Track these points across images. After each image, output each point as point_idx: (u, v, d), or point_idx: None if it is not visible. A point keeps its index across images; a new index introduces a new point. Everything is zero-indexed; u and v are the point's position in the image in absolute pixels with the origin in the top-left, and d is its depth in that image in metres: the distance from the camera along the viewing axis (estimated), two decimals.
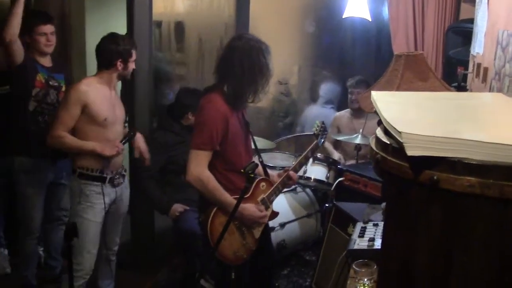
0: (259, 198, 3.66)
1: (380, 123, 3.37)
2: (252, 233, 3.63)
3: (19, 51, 4.16)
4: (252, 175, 3.10)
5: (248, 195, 3.52)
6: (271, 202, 3.74)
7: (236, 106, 3.48)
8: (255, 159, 3.75)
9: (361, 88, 5.71)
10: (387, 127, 1.56)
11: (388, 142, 1.53)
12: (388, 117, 1.57)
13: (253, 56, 3.41)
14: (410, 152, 1.39)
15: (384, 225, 1.75)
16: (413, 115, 1.74)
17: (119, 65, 3.91)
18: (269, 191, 3.71)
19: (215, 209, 3.47)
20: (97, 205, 3.94)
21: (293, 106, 7.15)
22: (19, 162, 4.37)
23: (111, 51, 3.90)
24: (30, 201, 4.44)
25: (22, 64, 4.21)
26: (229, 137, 3.44)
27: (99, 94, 3.88)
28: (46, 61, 4.43)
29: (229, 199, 3.43)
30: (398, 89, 3.67)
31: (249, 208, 3.52)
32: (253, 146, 3.79)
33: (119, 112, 4.08)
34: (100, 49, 3.95)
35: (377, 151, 1.58)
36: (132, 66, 4.03)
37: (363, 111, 5.64)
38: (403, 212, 1.54)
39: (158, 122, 4.90)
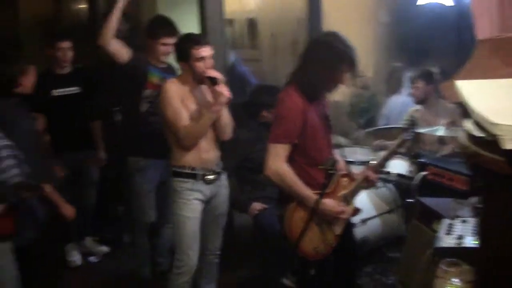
0: (340, 194, 3.58)
1: (465, 114, 3.19)
2: (333, 229, 3.55)
3: (118, 52, 4.36)
4: (332, 171, 3.02)
5: (329, 190, 3.43)
6: (353, 198, 3.65)
7: (311, 98, 3.42)
8: (336, 154, 3.67)
9: (419, 82, 5.59)
10: (478, 119, 1.42)
11: (481, 135, 1.40)
12: (479, 108, 1.44)
13: (328, 52, 3.35)
14: (507, 145, 1.26)
15: (480, 223, 1.62)
16: (505, 105, 1.58)
17: (184, 66, 3.89)
18: (351, 187, 3.62)
19: (294, 203, 3.43)
20: (191, 201, 3.93)
21: (372, 99, 6.99)
22: (133, 162, 4.57)
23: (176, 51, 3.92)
24: (146, 198, 4.64)
25: (128, 64, 4.40)
26: (307, 130, 3.39)
27: (186, 94, 3.86)
28: (161, 63, 4.57)
29: (308, 193, 3.37)
30: (483, 77, 3.48)
31: (329, 203, 3.44)
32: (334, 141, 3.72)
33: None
34: (177, 48, 3.95)
35: (469, 145, 1.45)
36: (197, 66, 3.87)
37: (433, 102, 5.58)
38: (501, 209, 1.41)
39: (234, 120, 4.86)
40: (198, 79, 3.86)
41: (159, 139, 4.17)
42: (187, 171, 3.92)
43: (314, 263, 3.51)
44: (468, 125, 1.53)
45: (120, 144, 4.81)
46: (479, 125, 1.44)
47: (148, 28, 4.56)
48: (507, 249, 1.46)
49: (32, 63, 4.19)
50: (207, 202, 4.06)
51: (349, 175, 3.65)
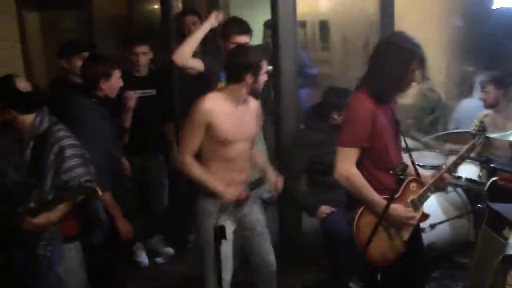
0: (409, 199, 3.56)
1: None
2: (401, 235, 3.54)
3: (194, 66, 4.45)
4: (402, 176, 3.03)
5: (397, 195, 3.43)
6: (422, 203, 3.61)
7: (381, 101, 3.41)
8: (406, 159, 3.67)
9: (489, 87, 5.52)
10: None
11: None
12: None
13: (398, 53, 3.34)
14: None
15: None
16: None
17: (249, 78, 3.71)
18: (419, 192, 3.59)
19: (362, 208, 3.43)
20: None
21: (439, 102, 6.89)
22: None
23: (239, 64, 3.73)
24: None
25: (201, 75, 4.48)
26: (377, 134, 3.39)
27: (223, 111, 3.72)
28: None
29: (377, 198, 3.38)
30: None
31: (397, 208, 3.43)
32: (403, 145, 3.70)
33: (248, 128, 3.90)
34: (228, 61, 3.87)
35: None
36: (263, 79, 3.80)
37: (503, 106, 5.51)
38: None
39: (306, 122, 4.91)
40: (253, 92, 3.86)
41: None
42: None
43: (381, 269, 3.51)
44: None
45: None
46: None
47: (220, 29, 4.61)
48: None
49: None
50: (239, 222, 4.02)
51: (418, 180, 3.62)
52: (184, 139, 3.81)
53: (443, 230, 4.95)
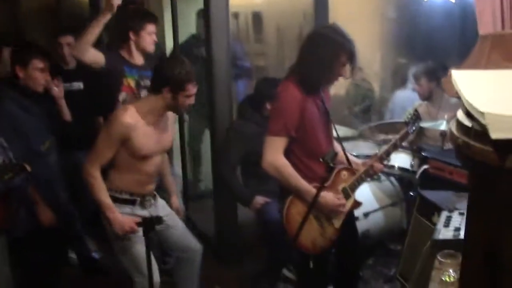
0: (340, 187, 3.60)
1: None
2: (332, 223, 3.58)
3: (94, 61, 4.21)
4: (332, 165, 3.04)
5: (328, 183, 3.46)
6: (353, 191, 3.66)
7: (309, 91, 3.43)
8: (337, 147, 3.69)
9: (423, 80, 5.64)
10: (468, 108, 1.43)
11: (470, 125, 1.41)
12: (470, 97, 1.45)
13: (326, 45, 3.34)
14: (494, 135, 1.27)
15: (467, 214, 1.64)
16: (499, 95, 1.58)
17: (166, 93, 3.47)
18: (351, 181, 3.63)
19: (291, 197, 3.45)
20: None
21: (370, 91, 7.00)
22: None
23: (160, 75, 3.52)
24: None
25: (103, 69, 4.28)
26: (306, 123, 3.41)
27: (142, 126, 3.51)
28: (138, 59, 4.47)
29: (306, 186, 3.40)
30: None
31: (326, 196, 3.44)
32: (335, 134, 3.72)
33: (165, 142, 3.77)
34: (154, 70, 3.65)
35: (459, 135, 1.46)
36: (186, 101, 3.54)
37: (437, 96, 5.61)
38: (488, 202, 1.43)
39: (238, 113, 4.89)
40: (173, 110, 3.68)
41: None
42: (124, 196, 3.68)
43: (313, 256, 3.53)
44: (460, 114, 1.53)
45: None
46: (469, 114, 1.44)
47: (128, 21, 4.40)
48: (487, 242, 1.48)
49: None
50: None
51: (349, 169, 3.66)
52: (96, 150, 3.53)
53: (377, 218, 5.02)
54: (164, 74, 3.46)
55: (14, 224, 3.57)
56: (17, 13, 6.45)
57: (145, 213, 3.71)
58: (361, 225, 4.77)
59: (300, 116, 3.37)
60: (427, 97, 5.64)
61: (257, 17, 6.41)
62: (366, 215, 4.87)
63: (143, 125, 3.50)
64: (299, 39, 6.27)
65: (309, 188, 3.38)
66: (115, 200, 3.61)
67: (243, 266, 5.09)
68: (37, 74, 3.94)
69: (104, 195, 3.53)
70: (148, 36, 4.37)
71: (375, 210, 4.99)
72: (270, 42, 6.50)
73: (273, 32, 6.44)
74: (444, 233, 2.87)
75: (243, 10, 6.29)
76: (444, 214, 3.13)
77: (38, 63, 3.96)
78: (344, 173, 3.61)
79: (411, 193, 4.55)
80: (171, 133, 3.83)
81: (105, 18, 4.14)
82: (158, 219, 3.29)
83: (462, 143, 1.42)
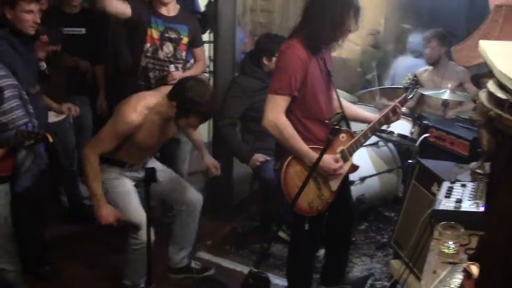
0: (338, 150, 3.56)
1: (477, 77, 3.16)
2: (329, 186, 3.55)
3: (120, 12, 4.18)
4: (337, 127, 3.00)
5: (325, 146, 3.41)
6: (351, 154, 3.62)
7: (315, 50, 3.38)
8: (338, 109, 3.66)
9: (433, 42, 5.61)
10: (502, 80, 1.37)
11: (504, 98, 1.36)
12: (505, 69, 1.39)
13: (334, 2, 3.28)
14: None
15: (489, 190, 1.61)
16: None
17: (174, 106, 3.56)
18: (349, 143, 3.59)
19: (290, 157, 3.42)
20: (121, 177, 3.80)
21: (382, 58, 6.91)
22: None
23: (182, 92, 3.53)
24: None
25: (130, 19, 4.26)
26: (308, 83, 3.36)
27: (150, 125, 3.61)
28: (169, 10, 4.39)
29: (305, 147, 3.37)
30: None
31: (325, 159, 3.35)
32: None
33: (166, 136, 3.86)
34: (181, 83, 3.64)
35: (490, 107, 1.40)
36: (185, 125, 3.70)
37: (443, 64, 5.59)
38: None
39: (241, 69, 4.84)
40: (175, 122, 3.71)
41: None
42: (114, 157, 3.75)
43: (308, 218, 3.52)
44: (491, 86, 1.48)
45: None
46: (502, 86, 1.39)
47: None
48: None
49: None
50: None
51: (348, 131, 3.62)
52: (100, 139, 3.61)
53: (372, 184, 5.02)
54: (184, 94, 3.51)
55: (20, 177, 3.57)
56: None
57: (134, 174, 3.80)
58: (357, 190, 4.78)
59: (303, 76, 3.33)
60: (435, 61, 5.60)
61: None
62: (362, 179, 4.87)
63: (149, 124, 3.59)
64: None
65: (308, 149, 3.35)
66: (107, 160, 3.70)
67: (236, 224, 5.10)
68: (25, 16, 3.72)
69: (97, 185, 3.62)
70: None
71: (371, 175, 4.99)
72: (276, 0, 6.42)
73: None
74: (445, 204, 2.84)
75: None
76: (446, 184, 3.09)
77: (26, 5, 3.72)
78: (343, 136, 3.57)
79: (410, 161, 4.52)
80: (175, 127, 3.88)
81: None
82: (153, 171, 3.30)
83: (494, 115, 1.37)
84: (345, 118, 3.57)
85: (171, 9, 4.41)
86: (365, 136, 3.65)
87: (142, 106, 3.55)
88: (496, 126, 1.37)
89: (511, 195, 1.44)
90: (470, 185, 3.05)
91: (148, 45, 4.36)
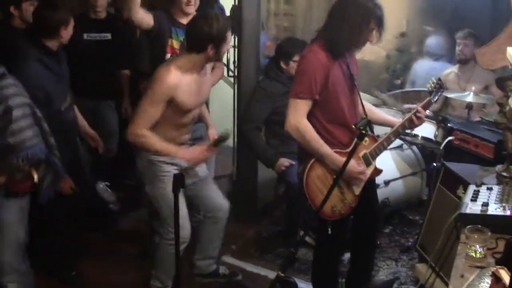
0: (361, 154, 3.57)
1: (501, 80, 3.17)
2: (352, 190, 3.55)
3: (144, 22, 4.18)
4: (364, 131, 3.01)
5: (348, 150, 3.41)
6: (374, 158, 3.63)
7: (335, 56, 3.40)
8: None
9: (469, 40, 5.54)
10: None
11: None
12: None
13: (357, 10, 3.32)
14: None
15: None
16: None
17: (210, 49, 3.56)
18: (372, 147, 3.60)
19: (312, 160, 3.43)
20: (171, 173, 3.60)
21: (407, 62, 6.88)
22: None
23: (202, 34, 3.54)
24: None
25: (152, 30, 4.25)
26: (329, 87, 3.38)
27: (185, 84, 3.60)
28: (185, 18, 4.35)
29: (328, 150, 3.38)
30: None
31: (349, 163, 3.34)
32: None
33: (205, 94, 3.88)
34: (191, 31, 3.66)
35: None
36: (225, 50, 3.71)
37: (470, 66, 5.53)
38: None
39: (265, 73, 4.86)
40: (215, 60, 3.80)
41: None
42: (165, 159, 3.76)
43: (331, 222, 3.53)
44: None
45: None
46: None
47: None
48: None
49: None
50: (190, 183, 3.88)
51: (371, 135, 3.63)
52: (143, 111, 3.61)
53: (397, 187, 5.01)
54: (205, 33, 3.51)
55: (39, 189, 3.51)
56: None
57: (181, 161, 3.76)
58: (381, 193, 4.76)
59: (324, 79, 3.35)
60: (467, 59, 5.56)
61: None
62: (386, 183, 4.86)
63: (186, 83, 3.58)
64: (328, 2, 6.19)
65: (331, 152, 3.37)
66: (159, 161, 3.73)
67: (260, 228, 5.12)
68: (72, 30, 3.93)
69: (159, 145, 3.63)
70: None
71: (395, 179, 4.98)
72: (299, 3, 6.41)
73: None
74: (472, 207, 2.83)
75: None
76: (472, 188, 3.09)
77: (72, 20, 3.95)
78: (366, 139, 3.57)
79: (434, 164, 4.51)
80: (209, 87, 3.96)
81: None
82: (185, 172, 3.32)
83: None
84: (370, 123, 3.58)
85: (190, 18, 4.33)
86: (388, 140, 3.65)
87: (174, 67, 3.58)
88: None
89: None
90: (496, 188, 3.05)
91: (169, 55, 4.34)
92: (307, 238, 4.58)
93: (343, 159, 3.26)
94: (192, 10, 4.33)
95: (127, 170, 5.43)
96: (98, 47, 4.97)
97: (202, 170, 4.02)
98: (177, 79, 3.55)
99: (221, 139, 3.72)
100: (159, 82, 3.56)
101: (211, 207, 4.09)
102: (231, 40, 3.75)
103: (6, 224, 3.48)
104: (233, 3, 5.20)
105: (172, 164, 3.75)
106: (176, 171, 3.59)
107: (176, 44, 4.34)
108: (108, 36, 5.12)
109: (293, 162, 4.49)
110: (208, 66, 3.86)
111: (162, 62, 4.15)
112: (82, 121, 4.36)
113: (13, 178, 3.28)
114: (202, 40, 3.54)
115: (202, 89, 3.78)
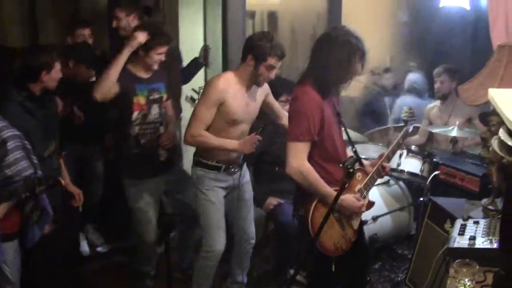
0: (356, 189, 3.61)
1: (484, 116, 3.22)
2: (351, 224, 3.60)
3: (113, 93, 4.11)
4: (351, 170, 3.04)
5: (346, 186, 3.46)
6: (367, 192, 3.68)
7: (325, 94, 3.44)
8: (348, 150, 3.72)
9: (444, 76, 5.65)
10: None
11: None
12: None
13: (341, 47, 3.36)
14: None
15: (502, 227, 1.66)
16: None
17: (249, 60, 3.83)
18: (365, 181, 3.64)
19: (315, 201, 3.43)
20: (213, 188, 4.07)
21: (385, 96, 6.98)
22: (127, 183, 4.36)
23: (248, 43, 3.89)
24: (142, 214, 4.41)
25: (117, 95, 4.14)
26: (325, 126, 3.41)
27: (234, 91, 3.89)
28: (144, 73, 4.29)
29: (330, 190, 3.39)
30: (501, 81, 3.52)
31: (348, 198, 3.46)
32: (345, 137, 3.74)
33: (252, 110, 4.07)
34: (255, 44, 3.86)
35: (502, 154, 1.47)
36: (266, 72, 3.84)
37: (451, 100, 5.62)
38: None
39: None
40: (255, 81, 3.94)
41: (152, 158, 4.28)
42: (211, 163, 4.04)
43: (334, 259, 3.55)
44: (502, 134, 1.54)
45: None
46: None
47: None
48: None
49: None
50: (231, 190, 4.18)
51: (362, 170, 3.67)
52: (198, 114, 3.90)
53: (385, 222, 5.03)
54: (250, 42, 3.86)
55: (26, 231, 3.52)
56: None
57: (229, 180, 4.11)
58: (369, 229, 4.79)
59: (320, 119, 3.38)
60: (445, 96, 5.65)
61: (272, 17, 6.43)
62: (374, 219, 4.88)
63: (235, 90, 3.89)
64: (312, 40, 6.29)
65: (333, 192, 3.35)
66: (202, 165, 4.06)
67: (251, 266, 5.09)
68: (57, 75, 3.93)
69: (215, 140, 3.93)
70: (157, 56, 4.21)
71: (383, 214, 5.00)
72: (284, 41, 6.50)
73: (288, 32, 6.46)
74: (459, 241, 2.87)
75: (259, 9, 6.30)
76: (459, 222, 3.13)
77: (59, 65, 3.92)
78: (359, 175, 3.62)
79: (422, 199, 4.56)
80: (258, 105, 4.13)
81: (129, 52, 4.12)
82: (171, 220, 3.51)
83: (507, 162, 1.42)
84: (359, 160, 3.64)
85: (145, 70, 4.32)
86: (378, 172, 3.71)
87: (223, 75, 3.98)
88: (509, 171, 1.43)
89: None
90: (482, 222, 3.08)
91: (136, 113, 4.26)
92: (298, 277, 4.57)
93: (344, 196, 3.34)
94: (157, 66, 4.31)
95: (114, 211, 5.40)
96: (84, 91, 4.87)
97: (246, 192, 4.29)
98: (227, 84, 3.86)
99: (261, 128, 4.01)
100: (211, 86, 3.89)
101: (247, 231, 4.33)
102: (276, 68, 3.88)
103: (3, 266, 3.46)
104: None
105: (216, 180, 4.06)
106: (212, 190, 4.03)
107: (142, 100, 4.26)
108: (93, 79, 5.00)
109: (281, 201, 4.53)
110: (259, 91, 4.08)
111: (129, 122, 4.23)
112: (66, 179, 4.21)
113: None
114: (245, 48, 3.88)
115: (250, 106, 4.02)
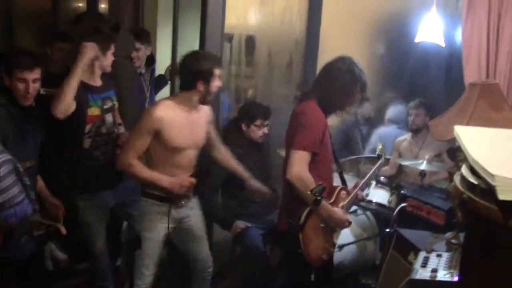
0: (340, 206, 3.85)
1: (452, 151, 3.30)
2: (333, 237, 3.81)
3: (73, 109, 3.92)
4: (319, 198, 3.18)
5: (331, 201, 3.77)
6: (348, 210, 3.95)
7: (326, 114, 3.74)
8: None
9: (420, 110, 5.77)
10: (475, 167, 1.50)
11: (476, 183, 1.48)
12: (477, 157, 1.52)
13: (345, 75, 3.69)
14: (502, 196, 1.34)
15: (462, 263, 1.69)
16: (502, 156, 1.66)
17: (200, 86, 3.71)
18: (347, 200, 3.91)
19: (307, 209, 3.61)
20: (156, 223, 3.93)
21: (360, 126, 7.04)
22: (78, 197, 4.26)
23: (191, 71, 3.70)
24: (92, 228, 4.34)
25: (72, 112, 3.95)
26: (324, 142, 3.69)
27: (174, 118, 3.73)
28: (98, 81, 4.17)
29: (325, 202, 3.64)
30: (471, 118, 3.62)
31: (338, 212, 3.74)
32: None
33: (198, 136, 3.96)
34: (180, 69, 3.79)
35: (464, 190, 1.52)
36: (215, 86, 3.78)
37: (422, 134, 5.75)
38: (489, 256, 1.48)
39: (223, 136, 4.90)
40: (203, 101, 3.85)
41: (105, 171, 4.18)
42: (159, 193, 3.88)
43: (315, 270, 3.71)
44: (464, 170, 1.59)
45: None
46: (474, 171, 1.51)
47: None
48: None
49: None
50: (179, 223, 4.05)
51: (346, 189, 3.96)
52: (130, 142, 3.79)
53: (351, 251, 5.04)
54: (193, 70, 3.69)
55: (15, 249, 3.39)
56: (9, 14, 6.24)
57: (177, 213, 3.96)
58: (336, 257, 4.78)
59: (323, 135, 3.65)
60: (419, 129, 5.76)
61: (250, 40, 6.47)
62: (340, 247, 4.89)
63: (174, 117, 3.74)
64: (289, 65, 6.36)
65: (325, 202, 3.64)
66: (147, 195, 3.90)
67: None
68: (18, 85, 3.65)
69: (146, 172, 3.79)
70: (112, 57, 4.14)
71: (349, 243, 5.02)
72: (260, 65, 6.55)
73: (264, 56, 6.50)
74: (422, 273, 2.89)
75: (238, 32, 6.35)
76: (422, 254, 3.16)
77: (19, 73, 3.64)
78: (344, 193, 3.92)
79: (387, 230, 4.59)
80: (204, 131, 4.03)
81: (83, 68, 3.93)
82: None
83: (467, 198, 1.48)
84: (343, 180, 4.03)
85: (98, 79, 4.19)
86: (353, 200, 4.04)
87: (162, 102, 3.81)
88: (469, 208, 1.47)
89: (483, 270, 1.53)
90: (445, 255, 3.12)
91: (89, 125, 4.11)
92: None
93: (334, 208, 3.70)
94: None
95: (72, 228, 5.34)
96: None
97: (196, 224, 4.15)
98: (163, 112, 3.70)
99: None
100: (145, 115, 3.74)
101: (202, 261, 4.23)
102: (221, 78, 3.84)
103: None
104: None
105: (161, 213, 3.89)
106: (154, 224, 3.88)
107: (96, 111, 4.14)
108: None
109: (249, 225, 4.54)
110: (204, 109, 3.96)
111: (82, 134, 4.09)
112: (46, 191, 4.06)
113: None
114: (191, 77, 3.68)
115: (195, 129, 3.88)
